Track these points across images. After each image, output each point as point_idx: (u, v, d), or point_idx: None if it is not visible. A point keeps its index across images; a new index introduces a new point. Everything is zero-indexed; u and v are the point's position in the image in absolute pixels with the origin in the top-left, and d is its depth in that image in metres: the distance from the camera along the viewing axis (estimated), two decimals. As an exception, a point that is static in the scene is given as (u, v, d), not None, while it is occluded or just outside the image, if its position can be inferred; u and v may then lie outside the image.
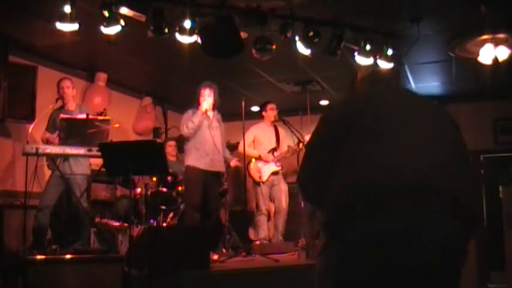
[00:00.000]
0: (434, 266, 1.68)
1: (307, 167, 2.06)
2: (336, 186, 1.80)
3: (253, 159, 6.24)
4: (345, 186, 1.78)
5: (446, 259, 1.69)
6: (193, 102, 5.30)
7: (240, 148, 5.72)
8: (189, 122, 5.19)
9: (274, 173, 6.20)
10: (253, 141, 6.28)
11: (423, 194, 1.65)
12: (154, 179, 6.05)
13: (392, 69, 5.56)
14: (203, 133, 5.23)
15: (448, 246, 1.67)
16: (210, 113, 5.30)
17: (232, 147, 6.58)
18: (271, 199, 6.22)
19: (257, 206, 6.18)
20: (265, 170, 6.18)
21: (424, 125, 1.83)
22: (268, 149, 6.26)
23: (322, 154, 1.94)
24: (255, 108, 7.08)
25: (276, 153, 6.23)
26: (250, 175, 6.21)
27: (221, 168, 5.41)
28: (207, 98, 5.24)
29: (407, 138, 1.77)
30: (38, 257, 4.03)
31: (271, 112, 6.29)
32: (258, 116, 6.46)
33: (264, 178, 6.15)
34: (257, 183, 6.18)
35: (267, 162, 6.18)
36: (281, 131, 6.39)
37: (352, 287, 1.73)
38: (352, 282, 1.73)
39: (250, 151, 6.15)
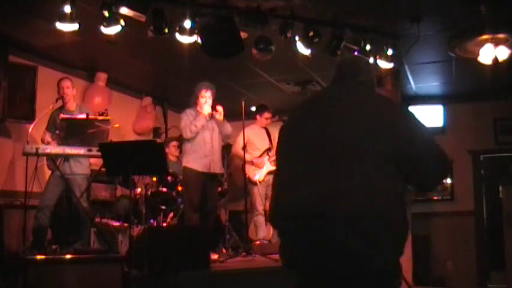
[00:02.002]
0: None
1: (276, 182, 2.09)
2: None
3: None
4: (278, 209, 1.91)
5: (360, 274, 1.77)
6: (191, 102, 5.26)
7: (234, 150, 5.72)
8: (192, 126, 5.11)
9: (270, 173, 6.20)
10: (246, 143, 6.31)
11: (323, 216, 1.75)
12: (154, 179, 6.04)
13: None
14: (203, 135, 5.18)
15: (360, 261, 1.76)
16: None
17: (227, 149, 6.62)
18: (268, 198, 6.23)
19: (254, 206, 6.19)
20: (261, 170, 6.22)
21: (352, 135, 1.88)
22: (262, 150, 6.33)
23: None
24: (255, 108, 7.07)
25: (270, 153, 6.27)
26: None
27: (218, 170, 5.37)
28: (208, 100, 5.17)
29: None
30: (38, 257, 4.03)
31: (265, 120, 6.46)
32: (254, 117, 6.50)
33: (261, 178, 6.19)
34: (253, 184, 6.20)
35: (259, 168, 6.22)
36: (272, 131, 6.43)
37: None
38: None
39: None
